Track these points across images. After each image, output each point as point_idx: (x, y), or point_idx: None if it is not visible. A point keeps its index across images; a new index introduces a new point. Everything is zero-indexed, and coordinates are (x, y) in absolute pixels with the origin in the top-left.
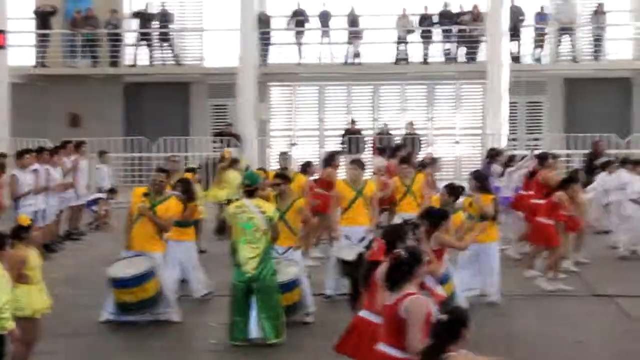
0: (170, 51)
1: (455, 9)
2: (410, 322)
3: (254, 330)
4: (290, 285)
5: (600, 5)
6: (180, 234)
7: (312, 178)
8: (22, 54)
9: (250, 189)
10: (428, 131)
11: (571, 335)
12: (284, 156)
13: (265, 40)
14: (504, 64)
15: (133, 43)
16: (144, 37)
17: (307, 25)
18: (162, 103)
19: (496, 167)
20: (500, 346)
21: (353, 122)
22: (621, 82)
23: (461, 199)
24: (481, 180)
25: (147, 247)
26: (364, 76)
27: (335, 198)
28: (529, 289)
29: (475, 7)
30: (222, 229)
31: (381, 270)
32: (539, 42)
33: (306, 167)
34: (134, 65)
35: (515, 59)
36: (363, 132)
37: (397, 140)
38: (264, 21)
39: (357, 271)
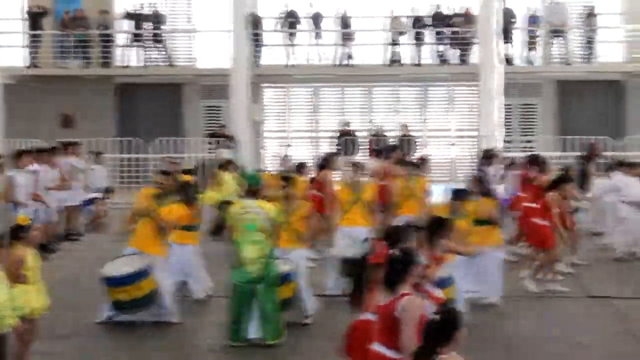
0: (162, 52)
1: (446, 11)
2: (404, 323)
3: (253, 331)
4: (282, 279)
5: (591, 7)
6: (183, 237)
7: (305, 179)
8: (14, 54)
9: (252, 190)
10: (422, 133)
11: (568, 336)
12: (285, 158)
13: (257, 42)
14: (496, 66)
15: (125, 44)
16: (136, 38)
17: (298, 26)
18: (155, 104)
19: (491, 170)
20: (497, 348)
21: (346, 124)
22: (613, 85)
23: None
24: (483, 184)
25: (146, 248)
26: (356, 78)
27: (332, 199)
28: (526, 291)
29: (466, 9)
30: (218, 230)
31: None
32: (530, 45)
33: (300, 168)
34: (126, 66)
35: (508, 61)
36: (357, 134)
37: (392, 141)
38: (255, 22)
39: (359, 271)
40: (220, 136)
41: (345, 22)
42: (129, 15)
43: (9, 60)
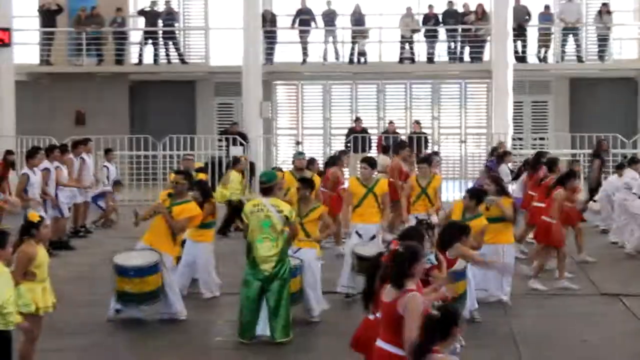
0: (175, 49)
1: (460, 9)
2: (406, 318)
3: (262, 329)
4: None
5: (605, 5)
6: (198, 234)
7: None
8: (28, 51)
9: (266, 187)
10: (434, 130)
11: (578, 334)
12: (299, 156)
13: (270, 39)
14: (509, 63)
15: (139, 41)
16: (150, 35)
17: (312, 24)
18: (168, 101)
19: (504, 168)
20: (506, 345)
21: (358, 119)
22: (626, 82)
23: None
24: (500, 183)
25: (157, 245)
26: (369, 75)
27: (346, 195)
28: (535, 289)
29: (479, 6)
30: (226, 227)
31: None
32: (544, 42)
33: (309, 164)
34: (139, 64)
35: (521, 58)
36: (368, 131)
37: (402, 138)
38: (269, 20)
39: (373, 270)
40: (232, 133)
41: (358, 20)
42: (143, 13)
43: (23, 57)
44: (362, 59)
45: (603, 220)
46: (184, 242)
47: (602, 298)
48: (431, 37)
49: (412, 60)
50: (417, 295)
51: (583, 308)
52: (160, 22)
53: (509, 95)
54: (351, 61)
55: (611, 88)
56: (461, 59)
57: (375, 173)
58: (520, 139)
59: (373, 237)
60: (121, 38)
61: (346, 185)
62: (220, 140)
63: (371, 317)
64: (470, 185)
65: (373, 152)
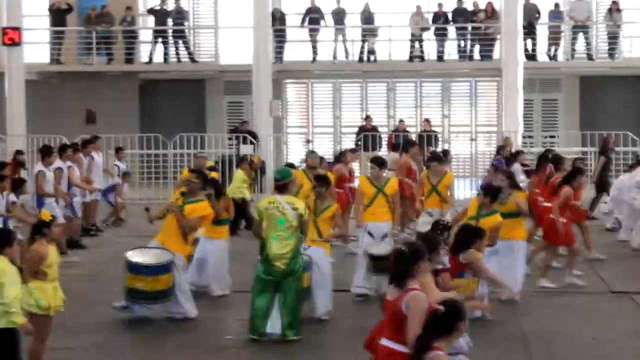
0: (185, 48)
1: (469, 7)
2: (410, 317)
3: (273, 326)
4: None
5: (615, 2)
6: (213, 231)
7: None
8: (38, 51)
9: (281, 185)
10: (444, 128)
11: (587, 332)
12: (312, 154)
13: (280, 38)
14: (519, 61)
15: (149, 40)
16: (159, 34)
17: (321, 22)
18: (178, 100)
19: (517, 167)
20: (515, 343)
21: (368, 118)
22: (637, 80)
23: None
24: (513, 177)
25: (168, 244)
26: (378, 73)
27: (357, 195)
28: (544, 286)
29: (489, 4)
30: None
31: None
32: (554, 40)
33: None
34: (149, 62)
35: (531, 56)
36: (378, 130)
37: (412, 136)
38: (278, 18)
39: (388, 269)
40: (242, 132)
41: (367, 18)
42: (153, 12)
43: (34, 56)
44: (372, 58)
45: (608, 218)
46: (196, 240)
47: (612, 296)
48: (441, 35)
49: (422, 58)
50: (419, 294)
51: (593, 305)
52: (170, 21)
53: (519, 93)
54: (361, 59)
55: (621, 86)
56: (471, 57)
57: (386, 172)
58: (530, 137)
59: (384, 236)
60: (131, 37)
61: (356, 184)
62: (230, 138)
63: None
64: (479, 184)
65: (383, 151)
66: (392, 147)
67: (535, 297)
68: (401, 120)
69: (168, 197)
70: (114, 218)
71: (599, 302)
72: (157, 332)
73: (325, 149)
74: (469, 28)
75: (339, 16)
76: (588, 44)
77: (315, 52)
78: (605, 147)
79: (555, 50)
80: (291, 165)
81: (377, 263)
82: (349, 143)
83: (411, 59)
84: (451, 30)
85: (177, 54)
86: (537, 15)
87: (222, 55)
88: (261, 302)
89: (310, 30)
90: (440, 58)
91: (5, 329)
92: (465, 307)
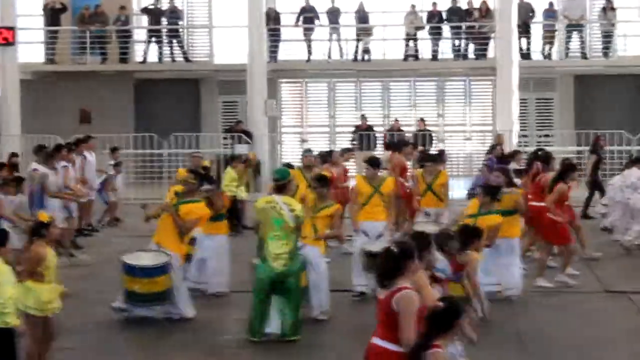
0: (179, 48)
1: (464, 6)
2: (401, 316)
3: (272, 326)
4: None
5: (609, 1)
6: (211, 227)
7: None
8: (32, 50)
9: (280, 185)
10: (439, 127)
11: (584, 332)
12: (307, 153)
13: (274, 37)
14: (513, 60)
15: (143, 40)
16: (154, 33)
17: (316, 21)
18: (173, 99)
19: (514, 166)
20: (512, 343)
21: (363, 117)
22: (631, 79)
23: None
24: (509, 175)
25: (165, 244)
26: (373, 73)
27: (353, 194)
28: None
29: (483, 3)
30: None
31: None
32: (548, 39)
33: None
34: (143, 62)
35: (525, 55)
36: (374, 129)
37: (408, 136)
38: (273, 18)
39: None
40: (237, 131)
41: (362, 17)
42: (147, 11)
43: (28, 56)
44: (367, 57)
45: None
46: (193, 240)
47: (609, 295)
48: (435, 34)
49: (417, 57)
50: (410, 293)
51: (589, 305)
52: (164, 20)
53: (513, 93)
54: (355, 59)
55: (616, 85)
56: (466, 56)
57: (381, 171)
58: (525, 136)
59: (380, 235)
60: (125, 36)
61: (349, 183)
62: (225, 138)
63: None
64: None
65: (379, 150)
66: (387, 146)
67: (530, 296)
68: (396, 120)
69: (163, 197)
70: (109, 217)
71: (595, 301)
72: (155, 333)
73: (320, 148)
74: (464, 27)
75: (333, 15)
76: (582, 42)
77: (309, 52)
78: (597, 145)
79: (550, 49)
80: (289, 165)
81: (373, 260)
82: (344, 142)
83: (406, 58)
84: (446, 29)
85: (172, 53)
86: (531, 14)
87: (217, 54)
88: (260, 303)
89: (305, 29)
90: (434, 57)
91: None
92: (461, 304)
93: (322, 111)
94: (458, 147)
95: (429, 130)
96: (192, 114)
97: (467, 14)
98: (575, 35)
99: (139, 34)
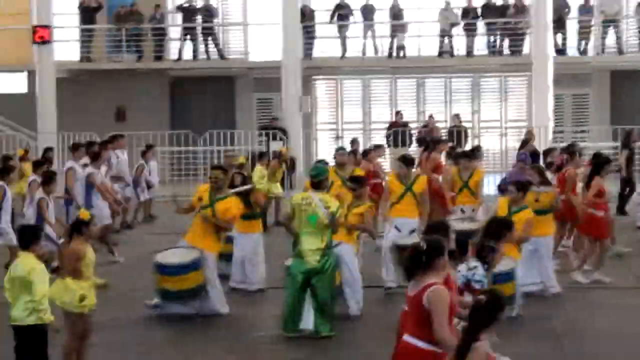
0: (214, 45)
1: (498, 2)
2: (434, 313)
3: (306, 322)
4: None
5: None
6: (246, 226)
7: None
8: (68, 49)
9: (316, 182)
10: (474, 124)
11: (617, 328)
12: (341, 152)
13: (309, 34)
14: (549, 56)
15: (178, 37)
16: (189, 31)
17: (350, 18)
18: (208, 97)
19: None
20: (546, 339)
21: (399, 113)
22: None
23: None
24: (543, 173)
25: (200, 244)
26: (408, 69)
27: (384, 192)
28: (575, 282)
29: None
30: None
31: None
32: (584, 35)
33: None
34: (178, 60)
35: (561, 51)
36: (408, 125)
37: (443, 132)
38: (307, 15)
39: None
40: (272, 128)
41: (396, 14)
42: (181, 9)
43: (64, 54)
44: (401, 53)
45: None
46: (230, 239)
47: None
48: (470, 30)
49: (452, 54)
50: (440, 288)
51: (623, 301)
52: (199, 18)
53: (549, 88)
54: (390, 55)
55: None
56: (501, 52)
57: (414, 169)
58: (560, 132)
59: (412, 231)
60: (160, 34)
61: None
62: (260, 135)
63: None
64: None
65: (413, 147)
66: (420, 142)
67: (564, 293)
68: (431, 116)
69: (195, 193)
70: (144, 215)
71: (629, 297)
72: (188, 329)
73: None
74: (499, 23)
75: (367, 12)
76: (618, 38)
77: (344, 49)
78: (628, 139)
79: (586, 45)
80: (325, 163)
81: (404, 255)
82: (379, 139)
83: (440, 54)
84: (480, 25)
85: (207, 51)
86: (567, 10)
87: (252, 52)
88: (294, 299)
89: (339, 26)
90: (469, 53)
91: (34, 326)
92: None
93: (357, 108)
94: (493, 143)
95: (464, 127)
96: (227, 111)
97: (502, 9)
98: (611, 31)
99: (174, 31)
